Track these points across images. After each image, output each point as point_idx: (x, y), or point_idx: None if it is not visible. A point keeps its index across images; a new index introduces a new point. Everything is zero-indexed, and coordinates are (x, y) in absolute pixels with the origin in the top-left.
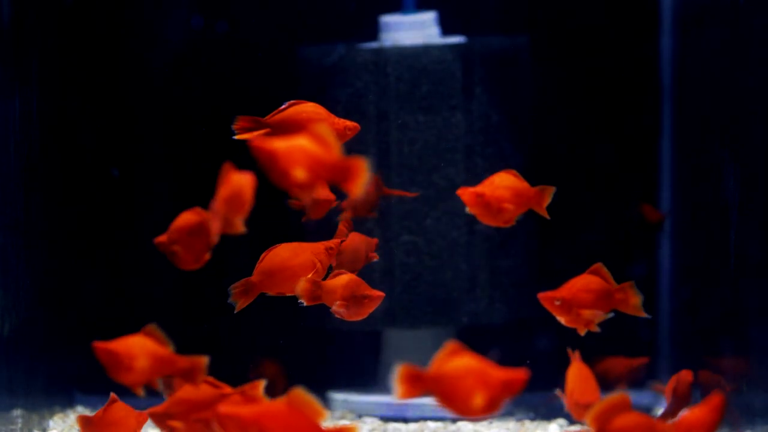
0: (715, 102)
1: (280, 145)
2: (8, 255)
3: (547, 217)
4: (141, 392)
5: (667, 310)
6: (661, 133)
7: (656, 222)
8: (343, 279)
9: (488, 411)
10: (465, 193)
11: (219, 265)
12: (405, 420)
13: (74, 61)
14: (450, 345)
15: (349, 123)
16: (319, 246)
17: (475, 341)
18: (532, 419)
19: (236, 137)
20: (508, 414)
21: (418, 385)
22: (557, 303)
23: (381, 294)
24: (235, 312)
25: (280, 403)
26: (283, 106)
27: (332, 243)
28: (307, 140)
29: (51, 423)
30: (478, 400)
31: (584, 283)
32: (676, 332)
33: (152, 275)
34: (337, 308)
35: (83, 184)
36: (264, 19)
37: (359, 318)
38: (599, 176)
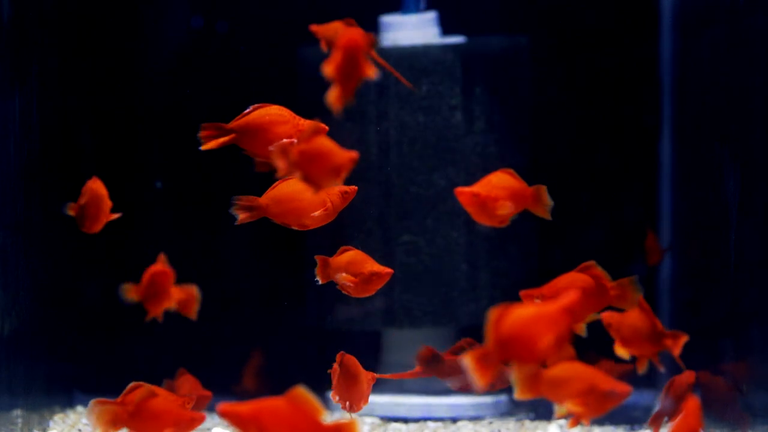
0: (715, 102)
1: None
2: (8, 255)
3: (548, 217)
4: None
5: (667, 310)
6: (661, 133)
7: (657, 256)
8: (349, 254)
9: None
10: (462, 193)
11: (219, 266)
12: (405, 420)
13: (74, 60)
14: (494, 311)
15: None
16: (335, 188)
17: (475, 341)
18: (532, 419)
19: (202, 147)
20: (508, 414)
21: (489, 360)
22: (537, 300)
23: (390, 271)
24: (236, 224)
25: (279, 400)
26: (247, 110)
27: (349, 189)
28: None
29: (51, 423)
30: (551, 339)
31: (569, 281)
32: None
33: None
34: (342, 280)
35: (83, 184)
36: (264, 19)
37: (366, 294)
38: (599, 176)
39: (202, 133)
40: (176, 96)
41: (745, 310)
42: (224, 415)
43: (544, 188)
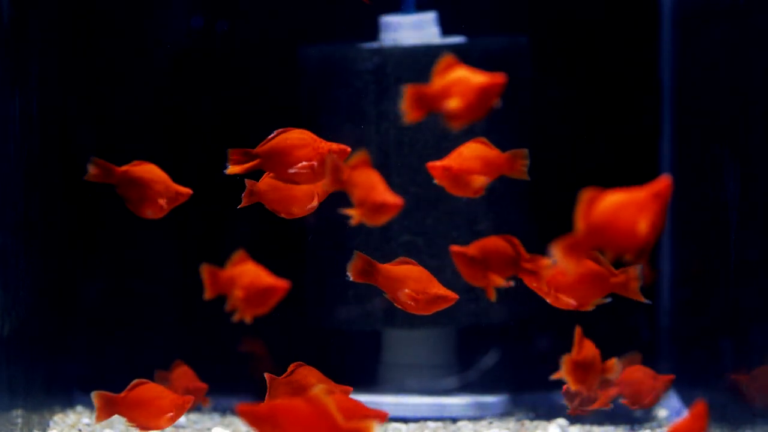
0: (715, 102)
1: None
2: (8, 255)
3: (527, 178)
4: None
5: (667, 310)
6: (661, 133)
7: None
8: (414, 270)
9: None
10: (433, 168)
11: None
12: (405, 420)
13: (74, 60)
14: (585, 195)
15: (334, 146)
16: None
17: (475, 341)
18: (532, 419)
19: (228, 172)
20: (508, 414)
21: (580, 246)
22: (534, 284)
23: (455, 296)
24: (238, 207)
25: (297, 400)
26: (272, 135)
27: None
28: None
29: (51, 423)
30: (644, 225)
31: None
32: (676, 332)
33: (152, 275)
34: (405, 298)
35: (83, 184)
36: (264, 19)
37: (424, 313)
38: (599, 176)
39: (229, 159)
40: (178, 96)
41: (745, 310)
42: (242, 414)
43: (521, 152)
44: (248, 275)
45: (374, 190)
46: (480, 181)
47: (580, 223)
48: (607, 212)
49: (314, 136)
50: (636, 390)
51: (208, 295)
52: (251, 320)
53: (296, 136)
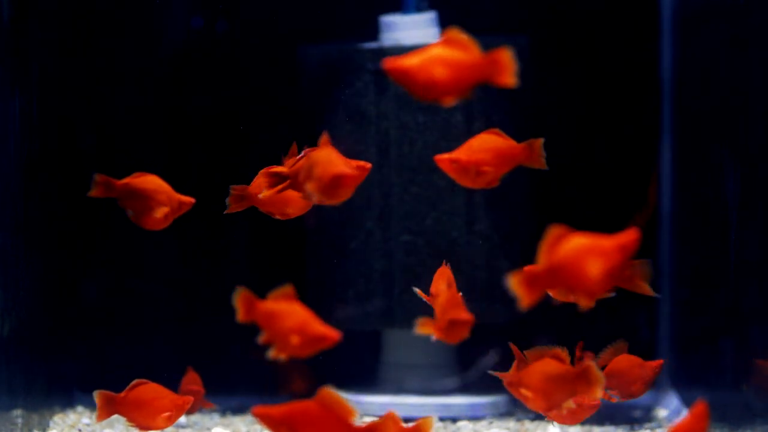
0: (715, 102)
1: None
2: (8, 255)
3: (545, 167)
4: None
5: (667, 310)
6: (661, 133)
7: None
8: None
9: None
10: (441, 161)
11: (218, 265)
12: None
13: (75, 60)
14: (552, 232)
15: (354, 162)
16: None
17: (475, 341)
18: (532, 419)
19: (262, 196)
20: (508, 414)
21: (537, 281)
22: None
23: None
24: (225, 212)
25: (310, 401)
26: (301, 155)
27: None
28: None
29: (51, 423)
30: (601, 272)
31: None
32: (676, 332)
33: (152, 274)
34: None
35: (83, 184)
36: (264, 19)
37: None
38: (599, 176)
39: (264, 183)
40: (178, 95)
41: (745, 310)
42: (258, 416)
43: (538, 142)
44: (297, 318)
45: (330, 164)
46: (493, 173)
47: (542, 259)
48: (568, 255)
49: (338, 154)
50: (622, 380)
51: (240, 318)
52: (286, 360)
53: (323, 154)
